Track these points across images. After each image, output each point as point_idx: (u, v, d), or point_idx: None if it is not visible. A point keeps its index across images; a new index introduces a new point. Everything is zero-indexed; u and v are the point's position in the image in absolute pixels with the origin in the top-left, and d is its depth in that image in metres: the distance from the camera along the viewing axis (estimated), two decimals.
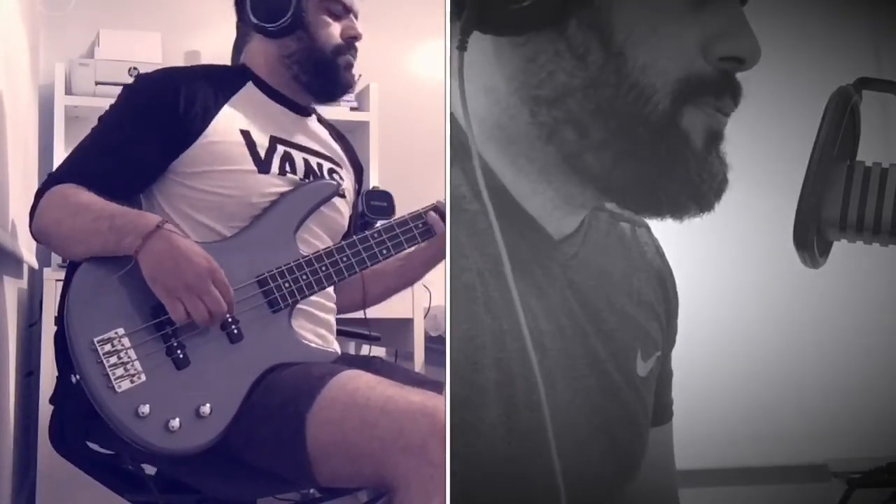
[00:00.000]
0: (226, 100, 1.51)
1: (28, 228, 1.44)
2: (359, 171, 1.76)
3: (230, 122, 1.49)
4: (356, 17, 1.62)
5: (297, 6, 1.54)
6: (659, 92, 0.75)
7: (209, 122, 1.46)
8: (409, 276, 1.69)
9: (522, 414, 0.77)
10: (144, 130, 1.44)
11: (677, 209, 0.80)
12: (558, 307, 0.84)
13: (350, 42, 1.59)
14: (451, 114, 0.80)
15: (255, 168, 1.47)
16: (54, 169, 1.49)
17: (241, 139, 1.48)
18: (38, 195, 1.42)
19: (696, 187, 0.78)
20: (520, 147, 0.80)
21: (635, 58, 0.74)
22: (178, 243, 1.32)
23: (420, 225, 1.55)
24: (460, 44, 0.73)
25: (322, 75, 1.58)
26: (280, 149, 1.53)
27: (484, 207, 0.74)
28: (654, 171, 0.77)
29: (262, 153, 1.49)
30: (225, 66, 1.65)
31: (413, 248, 1.58)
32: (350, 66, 1.60)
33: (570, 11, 0.73)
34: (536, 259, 0.82)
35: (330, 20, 1.58)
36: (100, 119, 1.50)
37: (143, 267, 1.31)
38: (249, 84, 1.57)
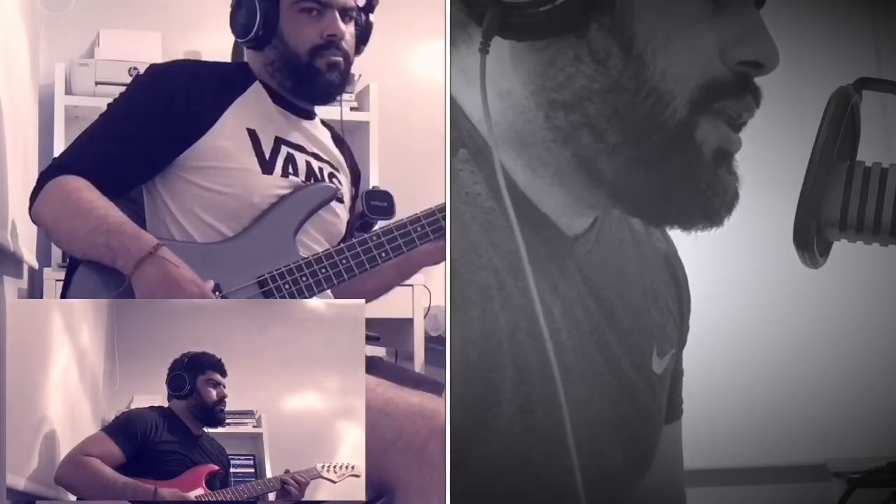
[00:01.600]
0: (234, 97, 1.51)
1: (27, 212, 1.44)
2: (356, 177, 1.75)
3: (237, 120, 1.49)
4: (344, 12, 1.56)
5: (263, 18, 1.51)
6: (677, 99, 0.74)
7: (217, 118, 1.47)
8: (404, 272, 1.68)
9: (539, 411, 0.76)
10: (152, 121, 1.45)
11: (686, 221, 0.79)
12: (574, 304, 0.84)
13: (330, 40, 1.54)
14: (466, 115, 0.79)
15: (258, 167, 1.48)
16: (60, 152, 1.50)
17: (247, 137, 1.49)
18: (41, 179, 1.42)
19: (707, 200, 0.78)
20: (534, 150, 0.79)
21: (655, 63, 0.74)
22: (169, 271, 1.32)
23: (418, 228, 1.54)
24: (482, 47, 0.73)
25: (302, 80, 1.55)
26: (284, 150, 1.52)
27: (502, 204, 0.73)
28: (666, 180, 0.77)
29: (267, 153, 1.49)
30: (234, 64, 1.64)
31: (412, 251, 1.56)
32: (333, 65, 1.54)
33: (590, 15, 0.73)
34: (551, 256, 0.82)
35: (307, 21, 1.53)
36: (109, 106, 1.50)
37: (136, 290, 1.32)
38: (256, 83, 1.57)
